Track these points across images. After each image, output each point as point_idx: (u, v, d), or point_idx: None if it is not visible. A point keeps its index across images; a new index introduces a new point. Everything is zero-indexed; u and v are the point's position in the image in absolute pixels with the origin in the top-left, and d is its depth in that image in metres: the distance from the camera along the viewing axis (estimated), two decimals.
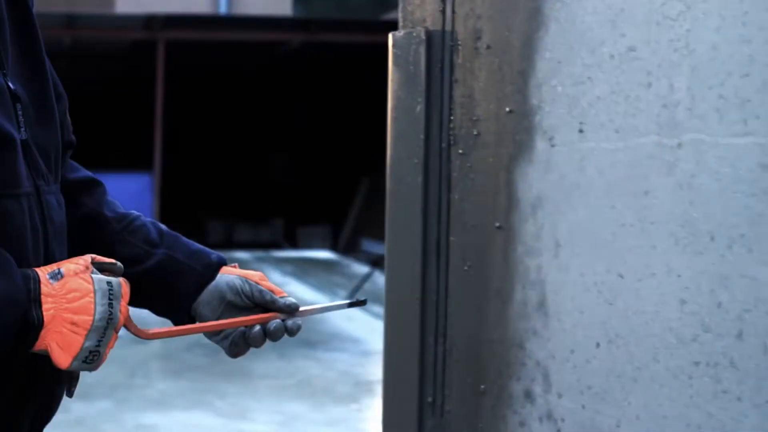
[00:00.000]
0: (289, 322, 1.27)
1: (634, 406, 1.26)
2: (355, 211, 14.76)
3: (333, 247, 14.14)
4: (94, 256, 1.16)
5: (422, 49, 1.48)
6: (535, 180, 1.36)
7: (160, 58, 11.80)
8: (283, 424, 5.02)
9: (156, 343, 6.17)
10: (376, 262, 11.43)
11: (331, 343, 6.97)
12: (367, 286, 9.64)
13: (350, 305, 1.32)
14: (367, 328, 7.50)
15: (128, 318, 1.17)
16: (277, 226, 15.42)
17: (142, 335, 1.20)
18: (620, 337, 1.27)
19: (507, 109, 1.38)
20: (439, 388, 1.50)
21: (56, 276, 1.13)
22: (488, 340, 1.43)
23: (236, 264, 1.35)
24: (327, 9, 20.04)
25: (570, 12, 1.30)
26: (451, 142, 1.46)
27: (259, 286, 1.29)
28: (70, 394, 1.21)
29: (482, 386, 1.44)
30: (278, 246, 14.27)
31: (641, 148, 1.24)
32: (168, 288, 1.31)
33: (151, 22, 11.80)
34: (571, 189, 1.31)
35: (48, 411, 1.28)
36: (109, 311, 1.12)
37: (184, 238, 1.35)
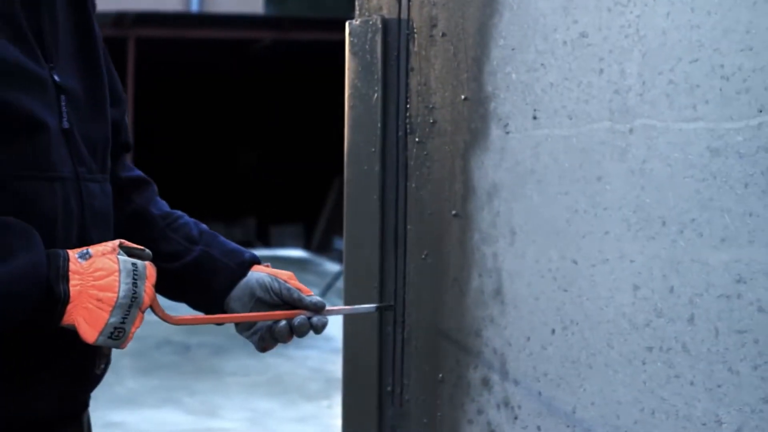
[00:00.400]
0: (314, 319, 1.33)
1: (589, 392, 1.26)
2: (328, 209, 14.74)
3: (306, 246, 14.11)
4: (122, 240, 1.23)
5: (378, 38, 1.48)
6: (490, 167, 1.36)
7: (131, 56, 11.72)
8: (253, 421, 5.00)
9: None
10: None
11: (302, 341, 6.94)
12: (339, 284, 9.64)
13: (377, 309, 1.42)
14: (338, 326, 7.49)
15: (155, 302, 1.23)
16: (250, 225, 15.38)
17: (168, 320, 1.26)
18: (575, 323, 1.27)
19: (462, 96, 1.38)
20: (398, 377, 1.50)
21: (84, 256, 1.20)
22: (446, 329, 1.42)
23: (269, 264, 1.43)
24: (301, 8, 19.99)
25: None
26: (408, 130, 1.46)
27: (288, 285, 1.36)
28: (99, 372, 1.29)
29: (440, 375, 1.44)
30: (251, 245, 14.21)
31: (594, 134, 1.24)
32: (203, 283, 1.39)
33: (121, 19, 11.72)
34: (525, 176, 1.32)
35: (80, 387, 1.33)
36: (133, 290, 1.19)
37: (222, 238, 1.44)
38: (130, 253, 1.23)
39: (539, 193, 1.30)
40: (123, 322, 1.19)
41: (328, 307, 1.33)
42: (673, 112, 1.16)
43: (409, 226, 1.47)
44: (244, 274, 1.39)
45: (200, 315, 1.36)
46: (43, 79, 1.24)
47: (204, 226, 1.46)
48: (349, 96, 1.54)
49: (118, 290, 1.18)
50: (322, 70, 14.20)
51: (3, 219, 1.18)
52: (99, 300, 1.18)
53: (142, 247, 1.24)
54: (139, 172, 1.51)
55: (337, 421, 5.01)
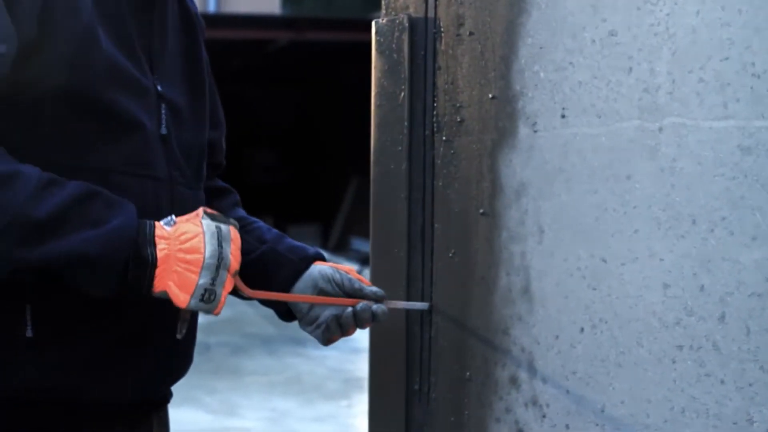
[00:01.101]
0: (375, 307, 1.39)
1: (618, 391, 1.26)
2: (345, 209, 14.76)
3: (323, 246, 14.13)
4: (205, 208, 1.27)
5: (405, 36, 1.48)
6: (518, 166, 1.36)
7: None
8: (272, 420, 5.02)
9: None
10: (366, 261, 11.44)
11: None
12: None
13: (429, 308, 1.47)
14: None
15: (237, 275, 1.27)
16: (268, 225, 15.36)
17: (244, 290, 1.30)
18: (604, 321, 1.27)
19: (490, 95, 1.38)
20: (425, 375, 1.50)
21: (169, 222, 1.24)
22: (473, 327, 1.43)
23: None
24: (315, 8, 20.02)
25: None
26: (435, 129, 1.46)
27: (349, 276, 1.43)
28: (180, 335, 1.32)
29: (468, 373, 1.44)
30: None
31: (623, 132, 1.24)
32: (269, 276, 1.46)
33: None
34: (554, 174, 1.32)
35: (170, 362, 1.40)
36: (219, 250, 1.22)
37: (290, 239, 1.52)
38: (213, 218, 1.25)
39: (568, 192, 1.30)
40: (213, 284, 1.21)
41: (386, 301, 1.40)
42: (703, 111, 1.16)
43: (436, 225, 1.47)
44: (307, 267, 1.45)
45: (274, 293, 1.42)
46: (145, 86, 1.31)
47: (276, 230, 1.53)
48: (376, 95, 1.54)
49: (204, 251, 1.21)
50: (338, 71, 14.21)
51: (97, 189, 1.22)
52: (186, 262, 1.21)
53: (223, 215, 1.28)
54: (223, 184, 1.61)
55: (356, 421, 5.04)
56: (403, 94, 1.49)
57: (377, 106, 1.54)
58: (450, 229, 1.45)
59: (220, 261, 1.22)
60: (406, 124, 1.49)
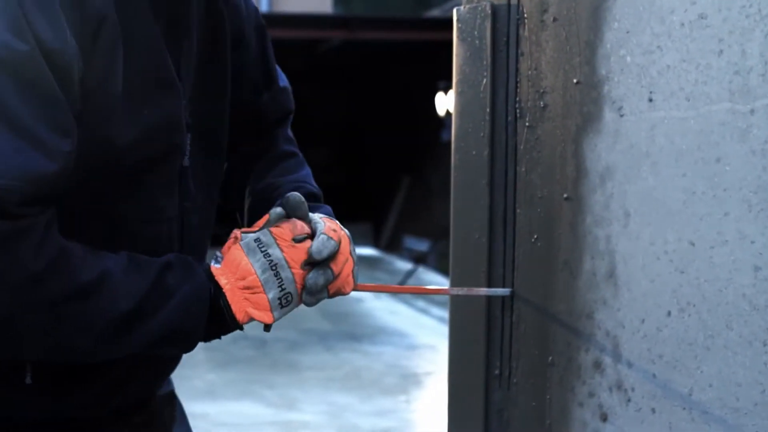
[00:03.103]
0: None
1: (707, 375, 1.26)
2: (397, 208, 14.77)
3: (375, 245, 14.16)
4: (237, 230, 1.27)
5: (487, 23, 1.49)
6: (603, 150, 1.36)
7: None
8: (331, 414, 5.05)
9: None
10: (419, 259, 11.44)
11: (376, 337, 6.99)
12: (410, 281, 9.65)
13: (511, 295, 1.47)
14: (412, 323, 7.51)
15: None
16: None
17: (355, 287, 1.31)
18: (692, 305, 1.27)
19: (574, 80, 1.39)
20: (506, 360, 1.51)
21: (217, 259, 1.25)
22: (556, 312, 1.43)
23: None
24: (367, 8, 20.06)
25: None
26: (518, 115, 1.47)
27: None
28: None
29: (550, 358, 1.44)
30: None
31: (713, 115, 1.24)
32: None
33: None
34: (640, 158, 1.32)
35: (167, 367, 1.43)
36: (268, 260, 1.23)
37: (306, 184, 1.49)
38: (249, 233, 1.26)
39: (654, 175, 1.30)
40: (283, 289, 1.23)
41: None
42: None
43: (518, 210, 1.48)
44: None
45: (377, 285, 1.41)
46: (177, 143, 1.28)
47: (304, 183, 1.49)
48: (457, 82, 1.55)
49: (255, 270, 1.22)
50: (390, 70, 14.23)
51: (167, 260, 1.22)
52: (248, 288, 1.22)
53: (256, 224, 1.27)
54: (287, 149, 1.55)
55: (415, 416, 5.05)
56: (485, 80, 1.50)
57: (459, 93, 1.55)
58: (533, 214, 1.46)
59: (274, 267, 1.23)
60: (488, 110, 1.50)
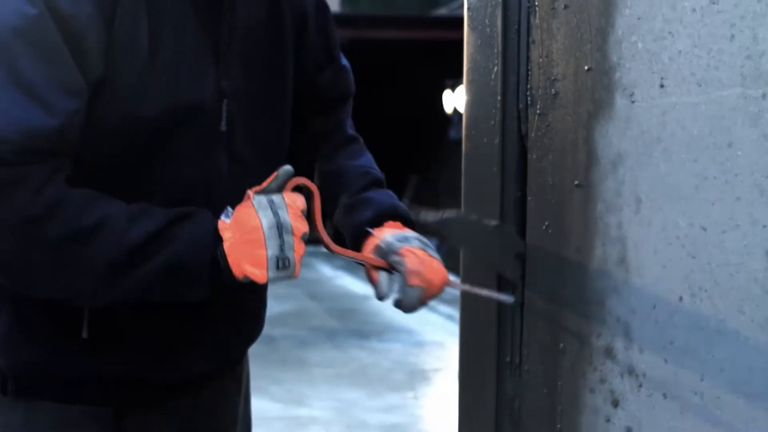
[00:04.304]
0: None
1: (719, 359, 1.26)
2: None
3: None
4: (254, 188, 1.29)
5: (498, 12, 1.49)
6: (614, 137, 1.36)
7: None
8: (339, 410, 5.06)
9: None
10: None
11: (384, 334, 6.99)
12: None
13: (514, 304, 1.48)
14: (419, 320, 7.52)
15: (320, 230, 1.32)
16: (327, 222, 15.45)
17: (330, 246, 1.34)
18: (704, 290, 1.27)
19: (586, 67, 1.39)
20: (516, 348, 1.52)
21: (227, 214, 1.27)
22: (568, 299, 1.43)
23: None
24: (374, 7, 20.06)
25: None
26: (529, 102, 1.47)
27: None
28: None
29: (561, 345, 1.45)
30: None
31: (724, 100, 1.24)
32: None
33: None
34: (652, 144, 1.32)
35: (239, 331, 1.48)
36: (276, 219, 1.24)
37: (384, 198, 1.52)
38: (264, 192, 1.28)
39: (666, 161, 1.31)
40: (283, 251, 1.24)
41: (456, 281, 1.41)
42: None
43: (529, 198, 1.48)
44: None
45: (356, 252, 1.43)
46: (201, 100, 1.32)
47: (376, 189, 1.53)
48: (468, 70, 1.56)
49: (261, 225, 1.24)
50: (399, 68, 14.23)
51: (184, 210, 1.27)
52: (250, 242, 1.24)
53: (269, 182, 1.29)
54: (353, 134, 1.63)
55: (423, 412, 5.04)
56: (496, 68, 1.51)
57: (470, 81, 1.55)
58: (544, 201, 1.46)
59: (280, 228, 1.24)
60: (499, 98, 1.50)
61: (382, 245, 1.39)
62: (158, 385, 1.40)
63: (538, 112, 1.46)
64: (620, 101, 1.36)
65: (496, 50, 1.50)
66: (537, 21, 1.46)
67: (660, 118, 1.31)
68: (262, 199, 1.26)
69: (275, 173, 1.29)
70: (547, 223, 1.46)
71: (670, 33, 1.29)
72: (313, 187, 1.32)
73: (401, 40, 12.82)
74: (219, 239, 1.25)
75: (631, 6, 1.34)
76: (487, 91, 1.52)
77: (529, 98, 1.47)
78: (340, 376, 5.74)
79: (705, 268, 1.27)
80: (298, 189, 1.32)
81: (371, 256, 1.40)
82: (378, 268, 1.38)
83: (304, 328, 6.90)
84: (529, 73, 1.47)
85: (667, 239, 1.31)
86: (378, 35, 12.75)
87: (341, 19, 13.45)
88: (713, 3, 1.25)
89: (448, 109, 11.82)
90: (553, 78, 1.44)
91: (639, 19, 1.33)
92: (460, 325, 1.63)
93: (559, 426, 1.45)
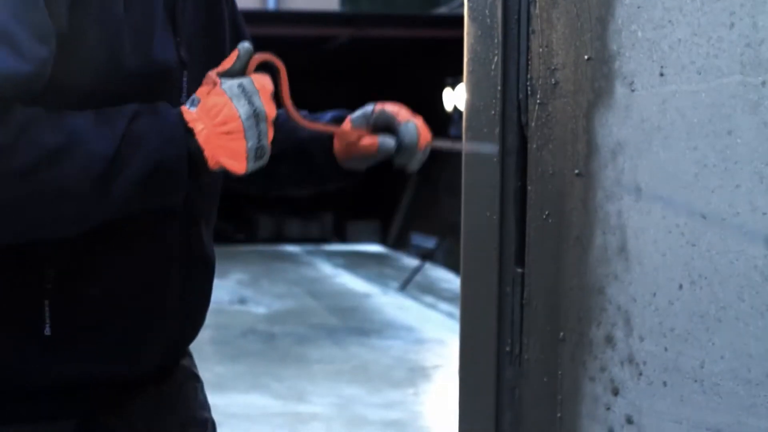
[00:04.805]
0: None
1: (719, 346, 1.26)
2: (404, 206, 14.78)
3: (382, 242, 14.17)
4: (213, 71, 1.24)
5: (498, 2, 1.50)
6: (614, 126, 1.37)
7: None
8: (340, 406, 5.06)
9: (208, 330, 6.26)
10: (426, 256, 11.45)
11: (384, 332, 7.00)
12: (417, 278, 9.67)
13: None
14: (420, 318, 7.53)
15: (288, 105, 1.30)
16: (327, 221, 15.50)
17: (299, 120, 1.36)
18: (704, 277, 1.28)
19: (586, 56, 1.40)
20: (516, 337, 1.52)
21: (194, 102, 1.22)
22: (567, 288, 1.44)
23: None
24: (374, 6, 20.07)
25: None
26: (529, 92, 1.48)
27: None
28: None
29: (561, 333, 1.45)
30: (327, 241, 14.32)
31: (724, 88, 1.25)
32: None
33: None
34: (652, 132, 1.32)
35: (183, 332, 1.45)
36: (252, 108, 1.21)
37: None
38: (230, 76, 1.24)
39: (666, 149, 1.31)
40: (260, 141, 1.22)
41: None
42: None
43: (529, 187, 1.49)
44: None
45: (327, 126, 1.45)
46: (169, 68, 1.31)
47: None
48: (468, 61, 1.56)
49: (239, 115, 1.20)
50: (398, 67, 14.24)
51: (137, 108, 1.21)
52: (228, 133, 1.20)
53: (232, 59, 1.25)
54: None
55: (424, 408, 5.06)
56: (496, 58, 1.51)
57: (470, 72, 1.56)
58: (544, 190, 1.47)
59: (257, 117, 1.21)
60: (499, 88, 1.51)
61: (354, 119, 1.41)
62: (120, 385, 1.37)
63: (538, 101, 1.47)
64: (620, 90, 1.36)
65: (496, 40, 1.51)
66: (537, 11, 1.46)
67: (660, 107, 1.31)
68: (233, 84, 1.22)
69: (236, 52, 1.25)
70: (547, 212, 1.47)
71: (669, 21, 1.30)
72: (278, 62, 1.28)
73: (401, 38, 12.83)
74: (190, 132, 1.21)
75: None
76: (487, 81, 1.52)
77: (529, 88, 1.48)
78: (341, 372, 5.75)
79: (705, 255, 1.27)
80: (261, 67, 1.27)
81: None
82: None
83: (305, 325, 6.90)
84: (529, 63, 1.48)
85: (667, 227, 1.31)
86: (378, 34, 12.75)
87: (341, 18, 13.47)
88: None
89: (449, 107, 11.83)
90: (553, 68, 1.44)
91: (639, 8, 1.33)
92: (460, 314, 1.63)
93: (559, 415, 1.45)
